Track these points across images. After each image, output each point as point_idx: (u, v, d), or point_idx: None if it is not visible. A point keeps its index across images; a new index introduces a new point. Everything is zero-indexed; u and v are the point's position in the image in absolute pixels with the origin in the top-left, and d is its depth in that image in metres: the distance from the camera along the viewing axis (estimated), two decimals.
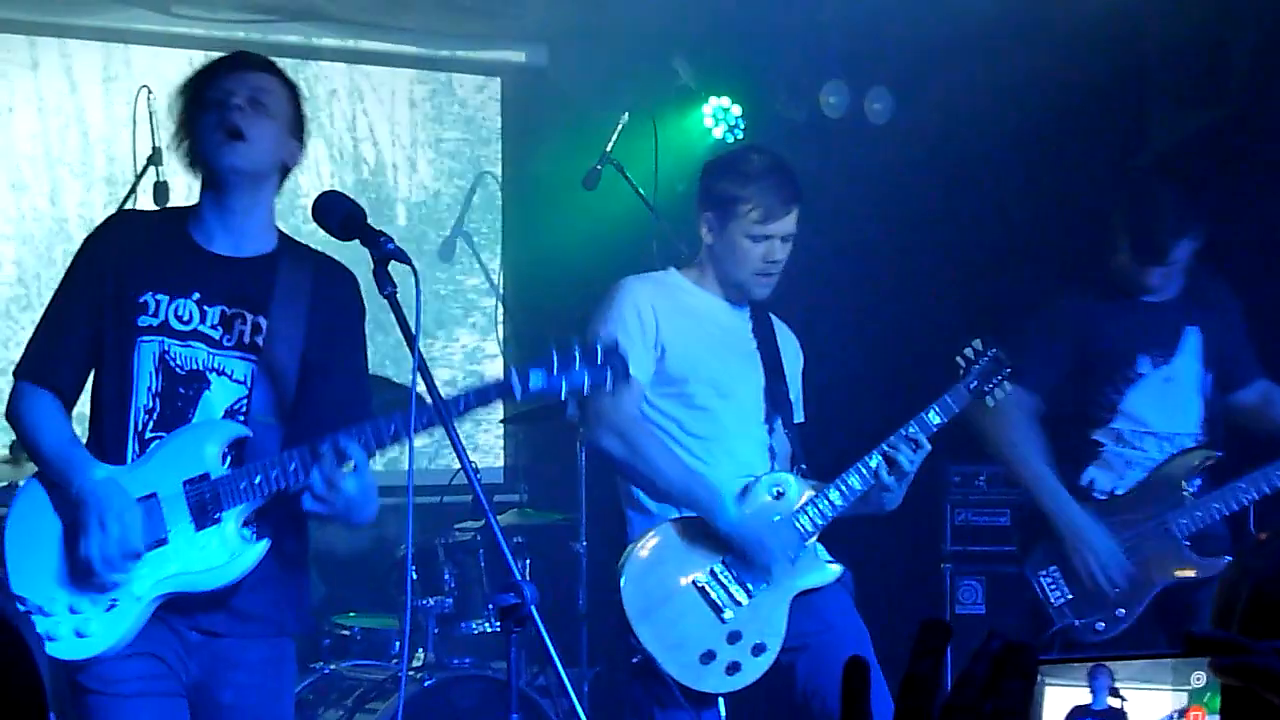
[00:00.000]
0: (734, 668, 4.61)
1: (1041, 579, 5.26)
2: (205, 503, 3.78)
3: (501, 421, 7.66)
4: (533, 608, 3.40)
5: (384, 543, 6.09)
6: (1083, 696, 1.47)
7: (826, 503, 4.71)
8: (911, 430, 4.70)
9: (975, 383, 4.83)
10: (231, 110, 3.76)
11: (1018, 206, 7.16)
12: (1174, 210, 5.20)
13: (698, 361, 4.78)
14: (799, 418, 4.97)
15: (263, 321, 3.85)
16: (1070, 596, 5.23)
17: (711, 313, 4.86)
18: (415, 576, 5.80)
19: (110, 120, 7.17)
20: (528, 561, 6.06)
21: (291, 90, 3.93)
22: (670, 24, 7.33)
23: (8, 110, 7.06)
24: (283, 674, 4.01)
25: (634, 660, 4.62)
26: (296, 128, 3.90)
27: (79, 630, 3.73)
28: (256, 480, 3.77)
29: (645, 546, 4.68)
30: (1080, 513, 5.24)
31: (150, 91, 6.04)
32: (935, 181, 7.23)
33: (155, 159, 5.93)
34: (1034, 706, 1.38)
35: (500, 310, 7.90)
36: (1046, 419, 5.32)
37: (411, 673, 5.55)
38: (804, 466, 4.86)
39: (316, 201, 3.66)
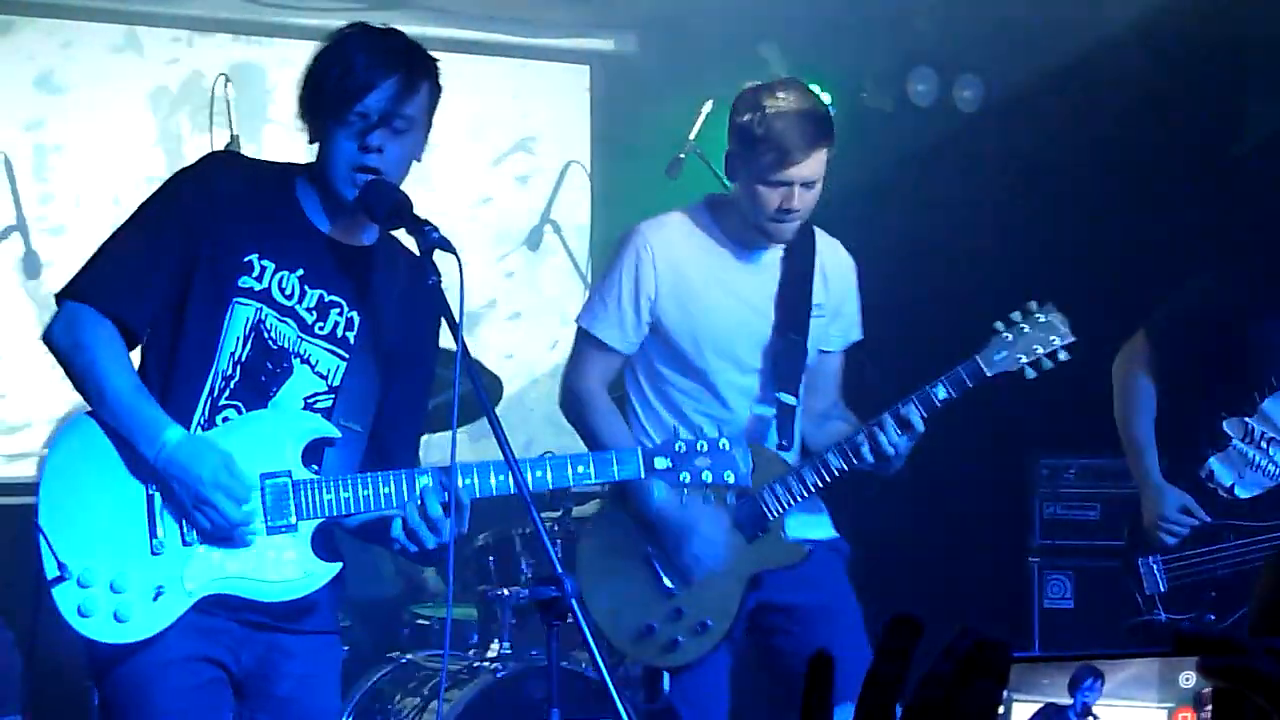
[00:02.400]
0: (671, 645, 4.53)
1: (1141, 566, 5.11)
2: (284, 505, 3.52)
3: None
4: (574, 600, 3.31)
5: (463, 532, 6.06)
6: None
7: (797, 483, 4.49)
8: (904, 410, 4.40)
9: (1004, 353, 4.49)
10: (371, 154, 3.54)
11: (1110, 198, 7.01)
12: None
13: (697, 323, 4.54)
14: (849, 338, 4.74)
15: (356, 317, 3.65)
16: (1163, 590, 5.09)
17: (721, 265, 4.57)
18: (492, 566, 5.78)
19: (174, 104, 7.13)
20: None
21: (435, 92, 3.67)
22: (759, 11, 7.27)
23: (71, 98, 6.97)
24: (335, 666, 3.81)
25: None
26: (427, 128, 3.68)
27: (118, 613, 3.44)
28: (344, 495, 3.53)
29: (594, 525, 4.80)
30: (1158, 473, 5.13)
31: (228, 80, 6.04)
32: (1025, 170, 7.10)
33: (233, 147, 5.91)
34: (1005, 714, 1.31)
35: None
36: (1171, 394, 5.17)
37: (486, 663, 5.53)
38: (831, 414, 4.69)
39: (363, 190, 3.54)
